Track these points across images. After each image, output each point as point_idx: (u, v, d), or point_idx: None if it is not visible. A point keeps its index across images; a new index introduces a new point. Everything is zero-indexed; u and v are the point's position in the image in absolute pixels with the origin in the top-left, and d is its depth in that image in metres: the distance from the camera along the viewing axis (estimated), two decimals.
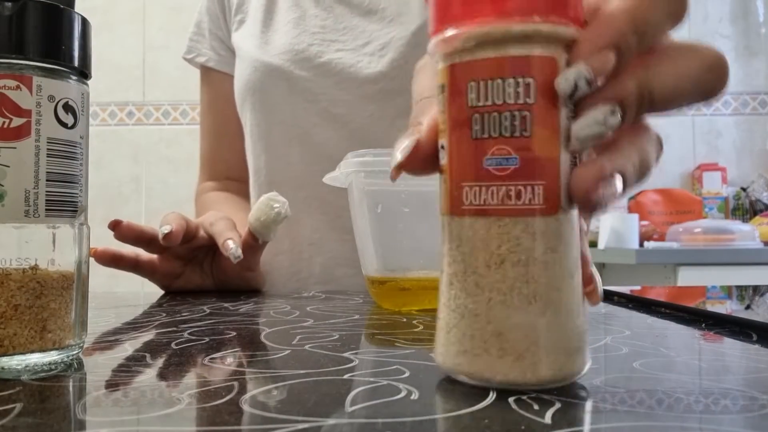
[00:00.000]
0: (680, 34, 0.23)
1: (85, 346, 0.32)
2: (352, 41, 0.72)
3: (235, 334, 0.36)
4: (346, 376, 0.25)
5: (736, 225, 1.79)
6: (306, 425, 0.19)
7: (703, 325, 0.39)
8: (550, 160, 0.22)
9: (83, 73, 0.29)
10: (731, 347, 0.32)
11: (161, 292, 0.63)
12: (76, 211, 0.29)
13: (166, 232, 0.55)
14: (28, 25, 0.27)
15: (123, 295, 0.60)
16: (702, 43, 0.23)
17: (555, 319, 0.22)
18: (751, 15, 2.26)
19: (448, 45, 0.23)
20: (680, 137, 2.24)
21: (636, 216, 1.87)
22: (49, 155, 0.27)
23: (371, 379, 0.25)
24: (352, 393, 0.23)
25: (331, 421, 0.19)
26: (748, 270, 1.58)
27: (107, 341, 0.34)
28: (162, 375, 0.26)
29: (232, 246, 0.55)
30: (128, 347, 0.32)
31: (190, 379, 0.26)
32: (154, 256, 0.61)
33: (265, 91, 0.73)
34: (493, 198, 0.22)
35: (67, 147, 0.28)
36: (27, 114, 0.27)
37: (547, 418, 0.19)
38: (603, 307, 0.48)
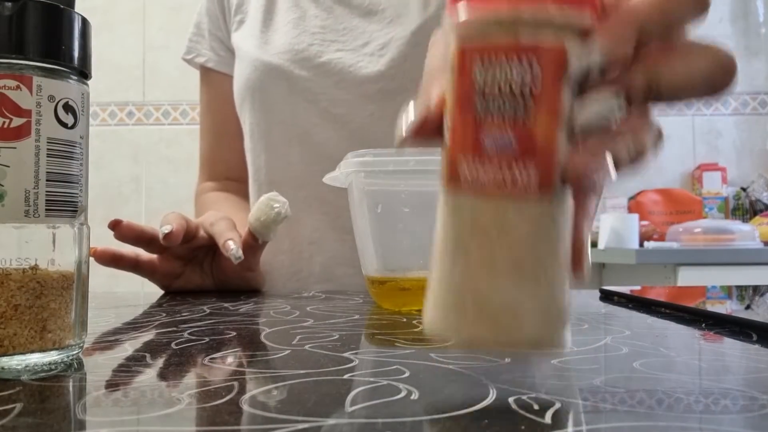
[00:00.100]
0: None
1: (85, 346, 0.32)
2: (351, 41, 0.72)
3: (235, 334, 0.36)
4: (346, 376, 0.25)
5: (736, 225, 1.79)
6: (306, 425, 0.19)
7: (703, 325, 0.39)
8: (548, 144, 0.22)
9: (83, 73, 0.29)
10: (731, 347, 0.32)
11: (161, 292, 0.63)
12: (76, 211, 0.29)
13: (166, 232, 0.55)
14: (28, 25, 0.27)
15: (123, 295, 0.60)
16: (713, 42, 0.23)
17: (536, 290, 0.22)
18: (751, 15, 2.26)
19: (460, 27, 0.23)
20: (680, 137, 2.24)
21: (636, 216, 1.88)
22: (49, 155, 0.27)
23: (371, 379, 0.25)
24: (352, 393, 0.23)
25: (331, 421, 0.19)
26: (748, 270, 1.58)
27: (107, 341, 0.34)
28: (162, 375, 0.26)
29: (232, 246, 0.55)
30: (128, 347, 0.32)
31: (190, 379, 0.26)
32: (154, 256, 0.61)
33: (264, 91, 0.73)
34: (488, 176, 0.22)
35: (67, 147, 0.28)
36: (27, 114, 0.27)
37: (547, 418, 0.20)
38: (603, 307, 0.48)
